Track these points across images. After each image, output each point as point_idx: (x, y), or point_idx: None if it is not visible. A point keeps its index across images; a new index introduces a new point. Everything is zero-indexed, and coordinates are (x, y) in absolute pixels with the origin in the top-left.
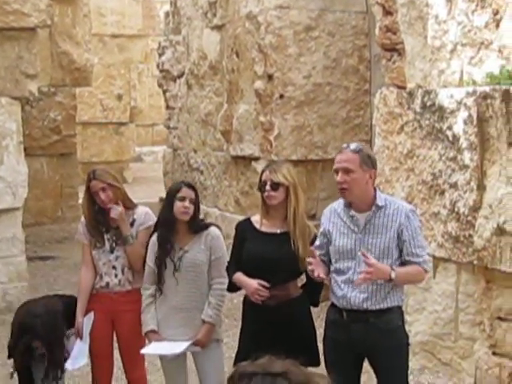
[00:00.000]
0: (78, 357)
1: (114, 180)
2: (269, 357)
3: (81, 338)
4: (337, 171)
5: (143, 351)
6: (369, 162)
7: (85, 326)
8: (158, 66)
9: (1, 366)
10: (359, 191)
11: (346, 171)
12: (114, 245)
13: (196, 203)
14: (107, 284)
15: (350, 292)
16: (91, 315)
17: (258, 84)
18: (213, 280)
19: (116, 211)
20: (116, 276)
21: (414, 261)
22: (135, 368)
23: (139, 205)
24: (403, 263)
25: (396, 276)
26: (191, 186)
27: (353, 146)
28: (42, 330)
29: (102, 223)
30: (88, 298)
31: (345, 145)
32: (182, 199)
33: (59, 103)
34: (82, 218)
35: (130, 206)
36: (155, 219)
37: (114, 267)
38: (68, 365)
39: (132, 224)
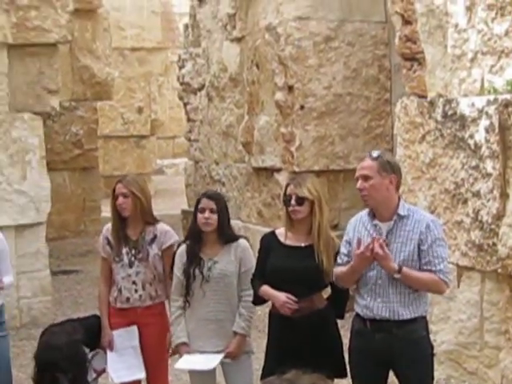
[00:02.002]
0: (135, 370)
1: (139, 191)
2: (295, 371)
3: (111, 350)
4: (357, 179)
5: (177, 366)
6: (388, 168)
7: (127, 341)
8: (178, 78)
9: (26, 381)
10: (380, 197)
11: (365, 178)
12: (132, 259)
13: (220, 213)
14: (127, 299)
15: (372, 302)
16: (133, 329)
17: (279, 95)
18: (243, 292)
19: None
20: (136, 291)
21: (431, 269)
22: (159, 381)
23: (161, 222)
24: None
25: (402, 274)
26: (212, 197)
27: (374, 153)
28: (64, 363)
29: (120, 235)
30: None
31: (368, 152)
32: (202, 211)
33: (81, 117)
34: (104, 229)
35: (150, 220)
36: (176, 238)
37: (134, 282)
38: (121, 377)
39: (153, 240)
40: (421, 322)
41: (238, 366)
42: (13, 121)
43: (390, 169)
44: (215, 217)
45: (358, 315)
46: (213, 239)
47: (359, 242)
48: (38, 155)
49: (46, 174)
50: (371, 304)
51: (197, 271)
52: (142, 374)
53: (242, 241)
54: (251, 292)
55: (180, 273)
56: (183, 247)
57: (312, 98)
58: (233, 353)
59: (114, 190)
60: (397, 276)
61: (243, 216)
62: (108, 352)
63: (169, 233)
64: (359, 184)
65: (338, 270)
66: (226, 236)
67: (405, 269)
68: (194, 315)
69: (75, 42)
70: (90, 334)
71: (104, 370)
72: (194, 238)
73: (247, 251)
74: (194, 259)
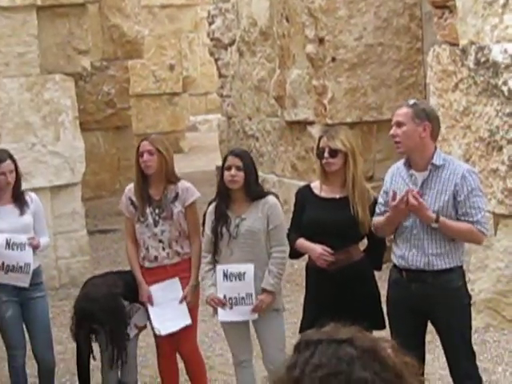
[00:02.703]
0: (180, 319)
1: (165, 149)
2: (334, 324)
3: (152, 305)
4: (392, 125)
5: (220, 318)
6: (422, 116)
7: (169, 293)
8: (208, 34)
9: (66, 340)
10: (412, 144)
11: (399, 124)
12: (157, 218)
13: (247, 171)
14: (156, 258)
15: (407, 251)
16: (175, 281)
17: (310, 48)
18: (272, 248)
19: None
20: (164, 249)
21: (468, 220)
22: (189, 334)
23: (182, 179)
24: None
25: (440, 224)
26: (238, 154)
27: (411, 101)
28: (101, 315)
29: (144, 194)
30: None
31: (405, 101)
32: (229, 168)
33: (112, 77)
34: (126, 190)
35: (173, 180)
36: (198, 194)
37: (160, 241)
38: (167, 328)
39: (176, 198)
40: (457, 272)
41: (268, 322)
42: (44, 82)
43: (425, 116)
44: (241, 174)
45: (394, 265)
46: (241, 196)
47: (394, 195)
48: (71, 116)
49: (80, 135)
50: (406, 254)
51: (224, 229)
52: (188, 321)
53: (270, 197)
54: (281, 248)
55: (210, 231)
56: (213, 205)
57: (343, 49)
58: (260, 308)
59: (138, 148)
60: (434, 225)
61: (277, 170)
62: (149, 307)
63: (190, 189)
64: (393, 130)
65: (376, 219)
66: (254, 193)
67: (442, 218)
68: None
69: (104, 2)
70: (129, 288)
71: (145, 326)
72: (222, 195)
73: (275, 208)
74: (221, 217)
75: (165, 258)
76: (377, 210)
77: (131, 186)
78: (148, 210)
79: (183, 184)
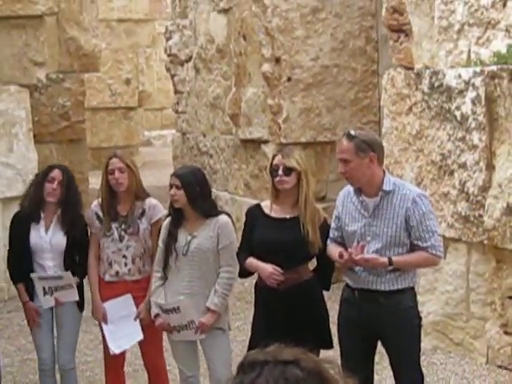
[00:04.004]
0: (133, 335)
1: (133, 165)
2: (278, 344)
3: (106, 323)
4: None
5: (169, 337)
6: (365, 147)
7: (123, 309)
8: (165, 50)
9: (14, 353)
10: (363, 177)
11: (345, 161)
12: (122, 233)
13: (187, 189)
14: (117, 273)
15: (360, 272)
16: (128, 297)
17: (266, 67)
18: (220, 268)
19: None
20: (126, 265)
21: (421, 245)
22: (155, 354)
23: (150, 196)
24: (413, 248)
25: (394, 265)
26: (178, 175)
27: (349, 133)
28: None
29: (111, 210)
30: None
31: (344, 132)
32: (170, 187)
33: (68, 89)
34: (93, 205)
35: (142, 196)
36: (164, 212)
37: (124, 256)
38: (121, 346)
39: (142, 214)
40: (408, 293)
41: (213, 341)
42: None
43: (368, 147)
44: (181, 193)
45: (347, 285)
46: (192, 214)
47: (341, 254)
48: (25, 127)
49: (33, 147)
50: (359, 274)
51: (174, 246)
52: (139, 336)
53: (221, 217)
54: (229, 269)
55: (163, 244)
56: (167, 220)
57: (299, 69)
58: (203, 325)
59: (106, 166)
60: (389, 268)
61: (230, 188)
62: (103, 325)
63: (157, 207)
64: (340, 168)
65: (330, 249)
66: (203, 211)
67: (395, 259)
68: (170, 288)
69: (62, 14)
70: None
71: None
72: (176, 212)
73: (226, 227)
74: (172, 234)
75: (126, 273)
76: (330, 235)
77: (97, 200)
78: (114, 225)
79: (150, 201)
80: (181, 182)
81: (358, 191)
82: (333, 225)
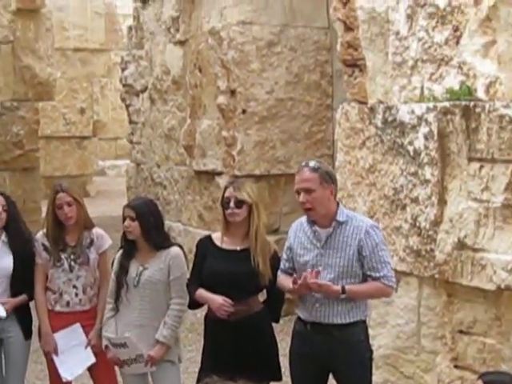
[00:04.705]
0: (85, 360)
1: (80, 197)
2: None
3: (56, 355)
4: (298, 192)
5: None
6: (328, 179)
7: (73, 340)
8: (120, 80)
9: None
10: (323, 209)
11: (308, 191)
12: (72, 264)
13: (142, 221)
14: (68, 303)
15: (312, 305)
16: (77, 326)
17: (221, 99)
18: (171, 300)
19: None
20: (77, 295)
21: (374, 275)
22: (108, 380)
23: (96, 226)
24: (366, 279)
25: (347, 296)
26: (132, 206)
27: (311, 164)
28: None
29: (59, 241)
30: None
31: (303, 163)
32: (124, 219)
33: (22, 118)
34: (38, 235)
35: (89, 225)
36: (110, 242)
37: (74, 286)
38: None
39: (91, 244)
40: (360, 326)
41: (162, 374)
42: None
43: (330, 179)
44: (135, 224)
45: (299, 318)
46: (144, 246)
47: (295, 280)
48: None
49: None
50: (311, 307)
51: (126, 277)
52: (92, 359)
53: (173, 248)
54: (179, 301)
55: (115, 276)
56: (120, 253)
57: (254, 102)
58: (152, 358)
59: (53, 199)
60: (342, 296)
61: (184, 219)
62: (54, 357)
63: (104, 237)
64: (302, 197)
65: (281, 280)
66: (155, 242)
67: (348, 287)
68: (121, 320)
69: (17, 42)
70: None
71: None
72: (127, 244)
73: (177, 259)
74: (123, 266)
75: (77, 304)
76: (281, 266)
77: (43, 231)
78: (63, 256)
79: (97, 231)
80: (135, 214)
81: (312, 222)
82: (284, 256)
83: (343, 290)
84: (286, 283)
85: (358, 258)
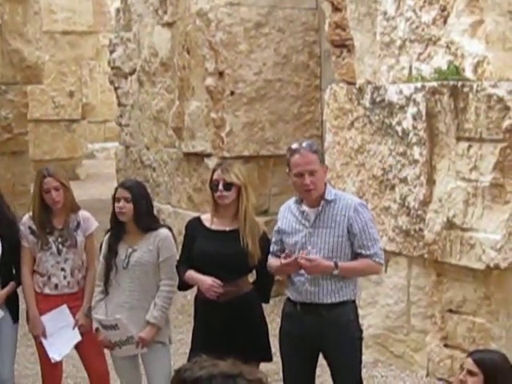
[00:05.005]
0: (71, 339)
1: (66, 181)
2: (211, 358)
3: (45, 338)
4: (301, 174)
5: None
6: (322, 158)
7: (60, 321)
8: (109, 63)
9: None
10: (321, 188)
11: (312, 173)
12: (60, 246)
13: (136, 202)
14: (56, 286)
15: (302, 285)
16: (63, 308)
17: (209, 81)
18: (160, 281)
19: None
20: (65, 278)
21: (365, 253)
22: (96, 359)
23: (81, 208)
24: (355, 257)
25: (340, 272)
26: (127, 187)
27: (308, 144)
28: None
29: (46, 224)
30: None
31: (296, 144)
32: (118, 200)
33: (10, 101)
34: (24, 219)
35: (75, 208)
36: (96, 224)
37: (62, 269)
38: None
39: (77, 227)
40: (350, 306)
41: (153, 355)
42: None
43: (323, 158)
44: (130, 206)
45: (289, 299)
46: (133, 228)
47: (287, 255)
48: None
49: None
50: (301, 288)
51: (115, 259)
52: (78, 337)
53: (162, 230)
54: (169, 282)
55: (103, 259)
56: (108, 236)
57: (242, 83)
58: (143, 339)
59: (40, 184)
60: (335, 272)
61: (173, 201)
62: (43, 340)
63: (90, 219)
64: (307, 180)
65: (271, 262)
66: (145, 225)
67: (341, 263)
68: (111, 302)
69: (5, 26)
70: None
71: None
72: (115, 226)
73: (166, 240)
74: (112, 248)
75: (65, 286)
76: (271, 249)
77: (29, 214)
78: (51, 239)
79: (83, 214)
80: (131, 195)
81: (299, 202)
82: (274, 239)
83: (336, 266)
84: (276, 264)
85: (347, 236)
